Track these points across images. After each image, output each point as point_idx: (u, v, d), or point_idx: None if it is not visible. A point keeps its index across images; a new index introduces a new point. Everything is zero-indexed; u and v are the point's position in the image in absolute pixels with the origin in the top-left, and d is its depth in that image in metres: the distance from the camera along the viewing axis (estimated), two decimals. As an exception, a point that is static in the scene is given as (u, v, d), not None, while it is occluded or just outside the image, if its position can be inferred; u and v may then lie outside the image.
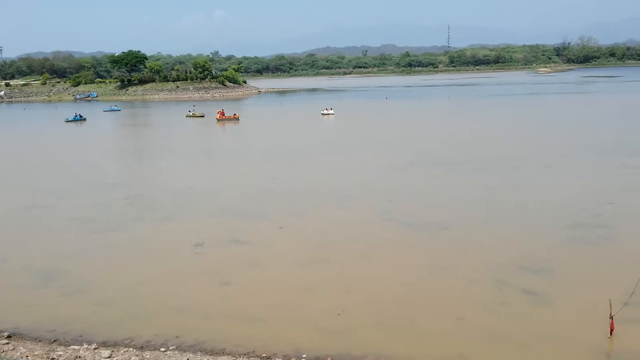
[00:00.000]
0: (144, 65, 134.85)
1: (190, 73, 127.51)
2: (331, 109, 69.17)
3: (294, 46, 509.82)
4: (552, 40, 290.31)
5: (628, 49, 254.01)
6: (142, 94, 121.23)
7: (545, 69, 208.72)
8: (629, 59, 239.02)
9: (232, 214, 24.04)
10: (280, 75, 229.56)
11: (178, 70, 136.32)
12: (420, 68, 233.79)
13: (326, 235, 20.76)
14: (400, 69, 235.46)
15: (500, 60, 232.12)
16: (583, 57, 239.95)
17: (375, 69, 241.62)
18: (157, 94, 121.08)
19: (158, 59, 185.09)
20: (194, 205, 25.98)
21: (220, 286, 16.50)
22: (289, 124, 64.21)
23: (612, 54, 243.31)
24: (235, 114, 67.45)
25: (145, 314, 14.87)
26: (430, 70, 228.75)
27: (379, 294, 15.54)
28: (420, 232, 20.79)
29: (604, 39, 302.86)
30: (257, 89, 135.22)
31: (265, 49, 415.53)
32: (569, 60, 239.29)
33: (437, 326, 13.60)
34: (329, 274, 17.11)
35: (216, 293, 16.03)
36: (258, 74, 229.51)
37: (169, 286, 16.66)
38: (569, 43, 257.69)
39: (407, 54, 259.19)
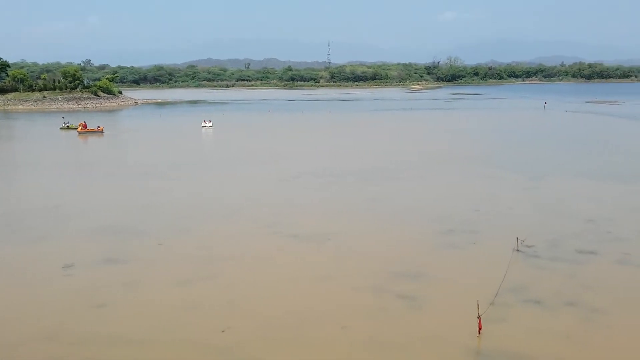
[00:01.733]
0: (6, 73, 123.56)
1: (59, 82, 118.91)
2: (210, 121, 68.18)
3: (174, 57, 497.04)
4: (423, 59, 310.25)
5: (490, 69, 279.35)
6: (4, 105, 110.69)
7: (417, 86, 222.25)
8: (490, 78, 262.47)
9: (106, 232, 22.65)
10: (159, 87, 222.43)
11: (45, 79, 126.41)
12: (302, 82, 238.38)
13: (210, 250, 20.28)
14: (283, 83, 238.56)
15: (377, 77, 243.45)
16: (451, 75, 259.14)
17: (258, 82, 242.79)
18: (21, 104, 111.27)
19: (22, 67, 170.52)
20: (63, 224, 24.15)
21: (94, 309, 15.41)
22: (168, 136, 62.13)
23: (476, 73, 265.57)
24: (99, 127, 63.71)
25: (10, 342, 13.48)
26: (312, 85, 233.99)
27: (264, 307, 15.43)
28: (305, 244, 21.02)
29: (469, 59, 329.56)
30: (134, 100, 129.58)
31: (142, 59, 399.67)
32: (439, 79, 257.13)
33: (322, 336, 13.79)
34: (212, 290, 16.69)
35: (90, 316, 14.96)
36: (135, 84, 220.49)
37: (37, 311, 15.27)
38: (438, 62, 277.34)
39: (290, 68, 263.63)
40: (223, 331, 13.99)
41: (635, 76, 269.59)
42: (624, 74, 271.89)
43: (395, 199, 28.21)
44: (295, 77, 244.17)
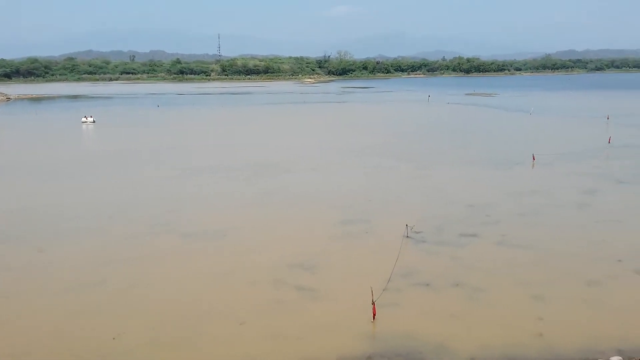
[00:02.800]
0: None
1: None
2: (91, 116, 64.60)
3: (50, 48, 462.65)
4: (314, 53, 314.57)
5: (377, 63, 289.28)
6: None
7: (310, 80, 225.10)
8: (378, 72, 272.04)
9: (-23, 240, 20.61)
10: (33, 81, 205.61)
11: None
12: (192, 76, 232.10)
13: (97, 255, 19.16)
14: (171, 76, 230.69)
15: (269, 70, 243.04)
16: (341, 69, 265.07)
17: (144, 76, 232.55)
18: None
19: None
20: None
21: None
22: (44, 134, 57.75)
23: (365, 67, 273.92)
24: None
25: None
26: (202, 78, 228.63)
27: (158, 309, 14.88)
28: (200, 241, 20.53)
29: (358, 54, 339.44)
30: (6, 95, 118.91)
31: (13, 51, 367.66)
32: (330, 72, 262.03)
33: (220, 333, 13.58)
34: (101, 296, 15.79)
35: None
36: (6, 78, 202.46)
37: None
38: (329, 56, 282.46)
39: (178, 61, 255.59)
40: (114, 338, 13.29)
41: (509, 70, 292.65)
42: (499, 67, 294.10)
43: (290, 191, 28.39)
44: (184, 70, 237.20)
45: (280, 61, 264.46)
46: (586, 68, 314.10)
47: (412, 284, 16.31)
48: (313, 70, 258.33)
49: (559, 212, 23.69)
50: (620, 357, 11.98)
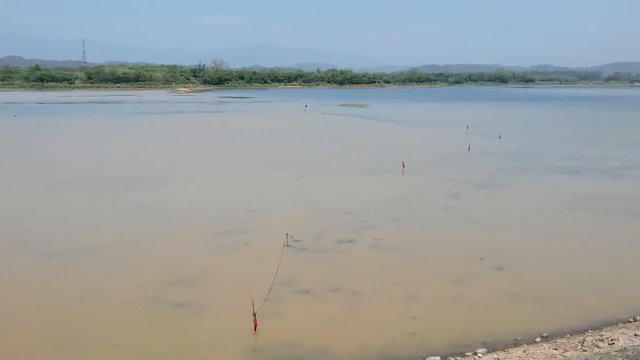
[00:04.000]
0: None
1: None
2: None
3: None
4: (189, 61, 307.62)
5: (254, 73, 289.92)
6: None
7: (184, 89, 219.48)
8: (255, 82, 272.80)
9: None
10: None
11: None
12: (54, 83, 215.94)
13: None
14: (29, 84, 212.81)
15: (140, 78, 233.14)
16: (217, 78, 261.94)
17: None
18: None
19: None
20: None
21: None
22: None
23: (242, 77, 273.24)
24: None
25: None
26: (65, 86, 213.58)
27: (20, 339, 13.45)
28: (63, 261, 18.96)
29: (234, 63, 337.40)
30: None
31: None
32: (205, 82, 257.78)
33: (92, 359, 12.58)
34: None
35: None
36: None
37: None
38: (204, 65, 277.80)
39: (38, 68, 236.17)
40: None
41: (379, 82, 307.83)
42: (370, 80, 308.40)
43: (165, 205, 27.30)
44: (45, 78, 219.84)
45: (152, 69, 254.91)
46: (447, 81, 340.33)
47: (293, 292, 16.38)
48: (187, 79, 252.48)
49: (428, 216, 25.22)
50: (485, 349, 12.95)
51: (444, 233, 22.59)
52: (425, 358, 12.55)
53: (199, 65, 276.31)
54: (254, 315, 13.88)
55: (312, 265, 18.75)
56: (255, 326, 13.76)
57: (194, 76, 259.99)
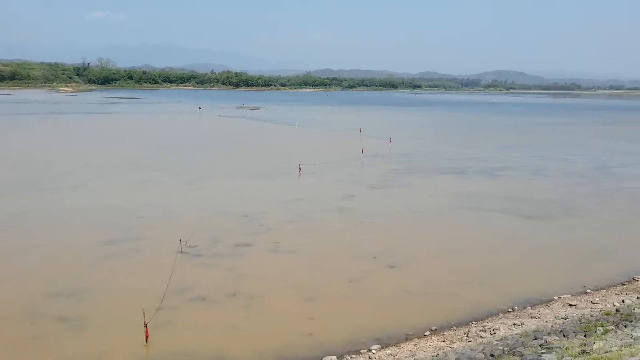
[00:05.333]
0: None
1: None
2: None
3: None
4: (72, 59, 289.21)
5: (144, 73, 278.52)
6: None
7: (66, 89, 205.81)
8: (145, 82, 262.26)
9: None
10: None
11: None
12: None
13: None
14: None
15: (16, 76, 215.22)
16: (103, 78, 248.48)
17: None
18: None
19: None
20: None
21: None
22: None
23: (131, 77, 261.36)
24: None
25: None
26: None
27: None
28: None
29: (122, 62, 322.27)
30: None
31: None
32: (90, 81, 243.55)
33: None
34: None
35: None
36: None
37: None
38: (88, 63, 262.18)
39: None
40: None
41: (275, 85, 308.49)
42: (266, 82, 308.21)
43: (47, 213, 25.40)
44: None
45: (30, 67, 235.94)
46: (341, 86, 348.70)
47: (188, 299, 15.88)
48: (70, 78, 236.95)
49: (324, 217, 25.61)
50: (378, 346, 13.36)
51: (339, 234, 23.05)
52: (322, 358, 12.70)
53: (84, 63, 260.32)
54: (145, 326, 13.26)
55: (207, 271, 18.31)
56: (147, 337, 13.15)
57: (78, 75, 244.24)
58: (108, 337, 13.58)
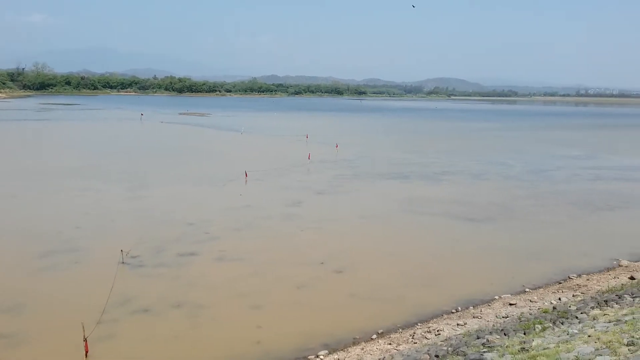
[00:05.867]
0: None
1: None
2: None
3: None
4: (4, 64, 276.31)
5: (83, 78, 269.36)
6: None
7: (0, 95, 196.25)
8: (84, 88, 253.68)
9: None
10: None
11: None
12: None
13: None
14: None
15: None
16: (39, 83, 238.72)
17: None
18: None
19: None
20: None
21: None
22: None
23: (69, 83, 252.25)
24: None
25: None
26: None
27: None
28: None
29: (60, 67, 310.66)
30: None
31: None
32: (25, 87, 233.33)
33: None
34: None
35: None
36: None
37: None
38: (23, 69, 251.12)
39: None
40: None
41: (220, 91, 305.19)
42: (210, 88, 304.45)
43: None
44: None
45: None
46: (287, 92, 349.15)
47: (130, 312, 15.38)
48: (4, 84, 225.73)
49: (270, 224, 25.47)
50: (326, 351, 13.37)
51: (286, 240, 22.98)
52: (270, 366, 12.58)
53: (18, 68, 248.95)
54: (85, 340, 12.74)
55: (151, 281, 17.82)
56: (87, 352, 12.64)
57: (12, 80, 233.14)
58: (46, 353, 12.96)
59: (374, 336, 14.22)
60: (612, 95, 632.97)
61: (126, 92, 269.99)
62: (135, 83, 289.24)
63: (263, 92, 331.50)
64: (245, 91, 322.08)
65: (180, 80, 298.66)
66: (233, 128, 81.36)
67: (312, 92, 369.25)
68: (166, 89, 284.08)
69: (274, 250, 21.45)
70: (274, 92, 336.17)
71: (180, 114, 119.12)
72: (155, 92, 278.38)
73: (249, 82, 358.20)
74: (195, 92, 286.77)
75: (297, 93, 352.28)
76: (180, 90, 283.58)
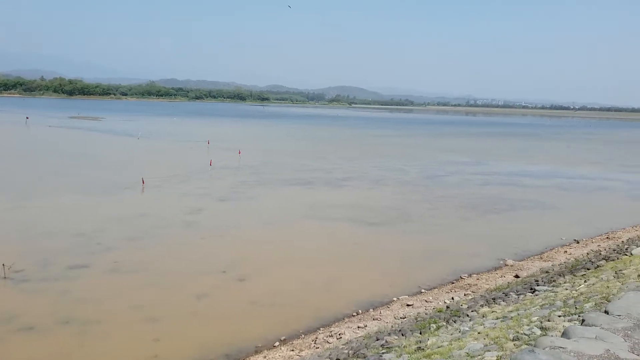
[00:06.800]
0: None
1: None
2: None
3: None
4: None
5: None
6: None
7: None
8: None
9: None
10: None
11: None
12: None
13: None
14: None
15: None
16: None
17: None
18: None
19: None
20: None
21: None
22: None
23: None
24: None
25: None
26: None
27: None
28: None
29: None
30: None
31: None
32: None
33: None
34: None
35: None
36: None
37: None
38: None
39: None
40: None
41: (114, 94, 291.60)
42: (104, 91, 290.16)
43: None
44: None
45: None
46: (188, 96, 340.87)
47: (14, 330, 14.12)
48: None
49: (169, 233, 24.57)
50: (227, 361, 13.06)
51: (186, 249, 22.28)
52: (168, 381, 12.06)
53: None
54: (-43, 366, 11.52)
55: (36, 297, 16.50)
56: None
57: None
58: None
59: (277, 343, 14.11)
60: (497, 106, 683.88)
61: (10, 93, 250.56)
62: (20, 84, 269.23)
63: (162, 96, 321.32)
64: (143, 95, 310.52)
65: (70, 82, 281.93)
66: (129, 133, 77.96)
67: (214, 97, 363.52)
68: (55, 91, 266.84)
69: (172, 260, 20.71)
70: (173, 97, 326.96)
71: (71, 117, 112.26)
72: (43, 94, 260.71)
73: (147, 85, 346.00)
74: (87, 94, 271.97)
75: (198, 98, 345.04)
76: (70, 93, 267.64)
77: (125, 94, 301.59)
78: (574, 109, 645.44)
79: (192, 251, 22.02)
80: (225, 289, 17.89)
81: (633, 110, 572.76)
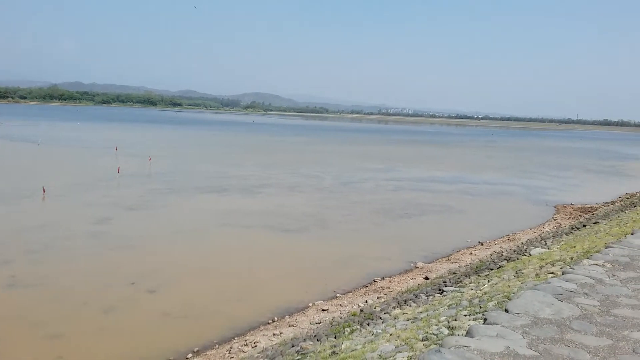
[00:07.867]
0: None
1: None
2: None
3: None
4: None
5: None
6: None
7: None
8: None
9: None
10: None
11: None
12: None
13: None
14: None
15: None
16: None
17: None
18: None
19: None
20: None
21: None
22: None
23: None
24: None
25: None
26: None
27: None
28: None
29: None
30: None
31: None
32: None
33: None
34: None
35: None
36: None
37: None
38: None
39: None
40: None
41: (13, 97, 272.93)
42: (1, 95, 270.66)
43: None
44: None
45: None
46: (94, 101, 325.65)
47: None
48: None
49: (72, 244, 23.19)
50: (135, 378, 12.46)
51: (91, 261, 21.11)
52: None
53: None
54: None
55: None
56: None
57: None
58: None
59: (189, 355, 13.68)
60: (408, 115, 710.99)
61: None
62: None
63: (65, 99, 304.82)
64: (44, 98, 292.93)
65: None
66: (29, 139, 73.08)
67: (123, 101, 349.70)
68: None
69: (77, 273, 19.55)
70: (78, 101, 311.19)
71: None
72: None
73: (49, 88, 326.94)
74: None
75: (105, 102, 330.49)
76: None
77: (25, 98, 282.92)
78: (477, 118, 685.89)
79: (98, 263, 20.91)
80: (134, 302, 17.12)
81: (530, 120, 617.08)
